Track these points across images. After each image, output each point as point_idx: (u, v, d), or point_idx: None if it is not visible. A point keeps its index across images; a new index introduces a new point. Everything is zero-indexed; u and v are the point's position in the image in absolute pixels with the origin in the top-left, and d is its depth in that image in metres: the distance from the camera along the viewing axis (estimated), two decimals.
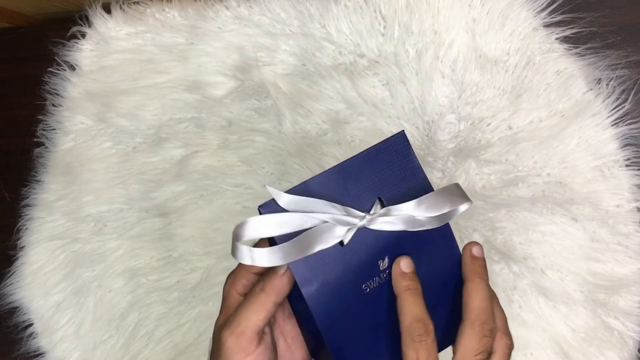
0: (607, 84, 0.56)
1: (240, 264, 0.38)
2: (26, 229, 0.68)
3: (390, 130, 0.61)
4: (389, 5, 0.61)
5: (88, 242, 0.66)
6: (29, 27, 0.77)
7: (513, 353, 0.40)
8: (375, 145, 0.38)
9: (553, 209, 0.56)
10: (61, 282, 0.66)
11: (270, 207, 0.36)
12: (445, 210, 0.37)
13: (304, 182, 0.37)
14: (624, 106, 0.56)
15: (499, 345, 0.37)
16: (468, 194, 0.57)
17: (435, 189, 0.40)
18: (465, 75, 0.59)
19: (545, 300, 0.56)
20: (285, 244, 0.35)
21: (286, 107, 0.63)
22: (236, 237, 0.35)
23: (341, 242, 0.36)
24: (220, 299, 0.39)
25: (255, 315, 0.35)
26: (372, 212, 0.37)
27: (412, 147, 0.40)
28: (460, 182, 0.58)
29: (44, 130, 0.69)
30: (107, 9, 0.69)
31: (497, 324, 0.37)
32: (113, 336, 0.64)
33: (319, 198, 0.36)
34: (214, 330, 0.38)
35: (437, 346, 0.35)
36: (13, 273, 0.67)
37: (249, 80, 0.64)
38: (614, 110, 0.56)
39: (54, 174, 0.68)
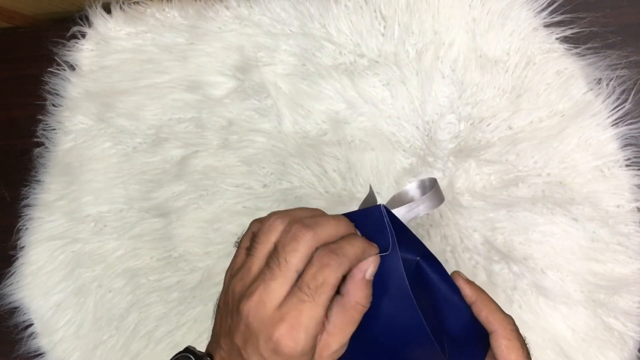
0: (608, 84, 0.56)
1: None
2: (26, 229, 0.68)
3: (390, 130, 0.60)
4: (389, 5, 0.61)
5: (88, 242, 0.66)
6: (29, 27, 0.77)
7: None
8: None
9: (553, 209, 0.56)
10: (61, 282, 0.66)
11: None
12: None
13: None
14: (624, 106, 0.56)
15: None
16: (468, 194, 0.58)
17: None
18: (466, 75, 0.59)
19: (546, 301, 0.56)
20: None
21: (286, 107, 0.63)
22: None
23: None
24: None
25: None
26: None
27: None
28: (461, 182, 0.58)
29: (44, 130, 0.69)
30: (107, 9, 0.69)
31: None
32: (113, 336, 0.64)
33: None
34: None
35: None
36: (13, 273, 0.67)
37: (249, 80, 0.64)
38: (614, 110, 0.56)
39: (54, 174, 0.68)
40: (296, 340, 0.32)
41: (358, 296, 0.34)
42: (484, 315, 0.38)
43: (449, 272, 0.39)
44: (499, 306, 0.39)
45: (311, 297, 0.33)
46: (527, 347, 0.38)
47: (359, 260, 0.35)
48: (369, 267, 0.35)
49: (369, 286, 0.35)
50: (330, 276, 0.33)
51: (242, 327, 0.33)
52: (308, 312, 0.32)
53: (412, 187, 0.42)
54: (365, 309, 0.35)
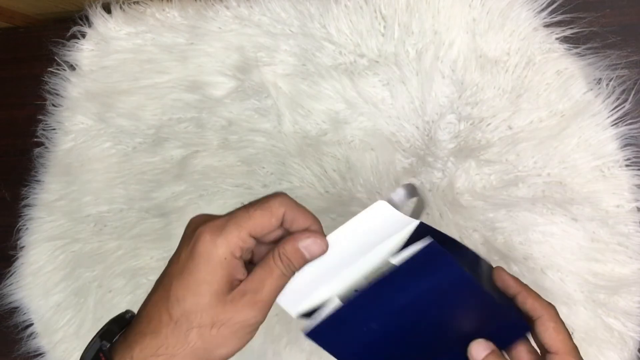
0: (607, 84, 0.56)
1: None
2: (26, 229, 0.68)
3: (390, 130, 0.60)
4: (389, 5, 0.61)
5: (88, 242, 0.66)
6: (29, 27, 0.77)
7: None
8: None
9: (553, 209, 0.56)
10: (61, 282, 0.66)
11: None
12: None
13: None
14: (624, 106, 0.56)
15: None
16: (468, 194, 0.58)
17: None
18: (466, 75, 0.59)
19: None
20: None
21: (286, 107, 0.63)
22: None
23: None
24: None
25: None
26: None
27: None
28: (461, 182, 0.58)
29: (44, 130, 0.69)
30: (107, 9, 0.69)
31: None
32: None
33: None
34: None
35: None
36: (13, 273, 0.67)
37: (249, 80, 0.64)
38: (614, 110, 0.56)
39: (54, 174, 0.68)
40: None
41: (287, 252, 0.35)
42: (530, 302, 0.39)
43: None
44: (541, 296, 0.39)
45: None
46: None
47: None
48: (309, 243, 0.35)
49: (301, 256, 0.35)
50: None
51: None
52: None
53: (398, 194, 0.42)
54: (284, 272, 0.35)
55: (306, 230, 0.35)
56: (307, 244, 0.35)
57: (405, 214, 0.38)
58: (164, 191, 0.65)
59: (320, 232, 0.36)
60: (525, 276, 0.56)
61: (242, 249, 0.33)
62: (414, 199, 0.41)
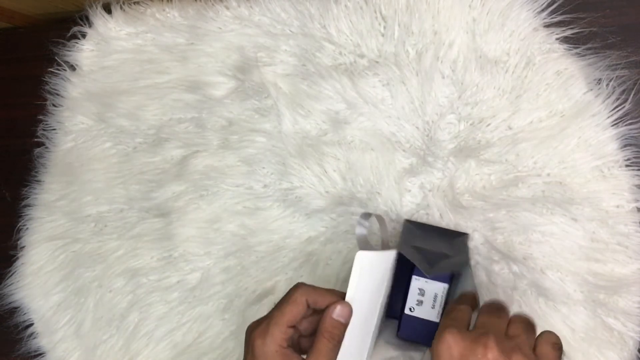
0: (607, 84, 0.56)
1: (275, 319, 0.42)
2: (26, 229, 0.68)
3: (390, 130, 0.61)
4: (389, 5, 0.61)
5: (88, 242, 0.66)
6: (29, 27, 0.77)
7: None
8: None
9: (553, 209, 0.56)
10: (61, 282, 0.66)
11: None
12: None
13: None
14: (624, 106, 0.56)
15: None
16: (468, 194, 0.58)
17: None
18: (465, 75, 0.59)
19: (545, 301, 0.56)
20: None
21: (286, 107, 0.63)
22: None
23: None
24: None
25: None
26: None
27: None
28: (461, 182, 0.58)
29: (44, 130, 0.69)
30: (108, 9, 0.69)
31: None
32: (113, 336, 0.65)
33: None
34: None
35: None
36: (13, 273, 0.67)
37: (249, 80, 0.64)
38: (614, 111, 0.56)
39: (54, 174, 0.68)
40: None
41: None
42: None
43: None
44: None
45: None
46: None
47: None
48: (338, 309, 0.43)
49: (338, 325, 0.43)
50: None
51: None
52: None
53: (361, 225, 0.50)
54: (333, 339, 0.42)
55: (330, 304, 0.43)
56: (337, 311, 0.42)
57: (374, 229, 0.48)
58: (164, 191, 0.65)
59: (342, 298, 0.43)
60: (525, 276, 0.56)
61: (286, 339, 0.42)
62: (372, 217, 0.50)
